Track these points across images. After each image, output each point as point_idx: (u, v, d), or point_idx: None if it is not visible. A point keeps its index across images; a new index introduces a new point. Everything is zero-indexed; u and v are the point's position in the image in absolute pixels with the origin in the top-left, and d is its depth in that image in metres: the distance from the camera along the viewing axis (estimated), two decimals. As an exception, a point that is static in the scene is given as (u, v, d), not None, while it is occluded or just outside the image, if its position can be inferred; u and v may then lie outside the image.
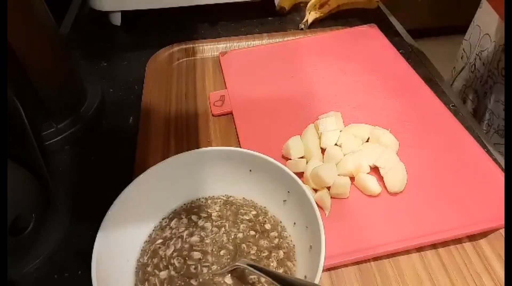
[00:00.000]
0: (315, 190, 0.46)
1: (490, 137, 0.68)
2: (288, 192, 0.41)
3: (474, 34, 0.74)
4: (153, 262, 0.39)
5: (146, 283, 0.38)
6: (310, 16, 0.76)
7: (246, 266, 0.36)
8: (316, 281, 0.32)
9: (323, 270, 0.33)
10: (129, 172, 0.49)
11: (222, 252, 0.39)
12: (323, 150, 0.50)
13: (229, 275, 0.38)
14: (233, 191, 0.44)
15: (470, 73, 0.76)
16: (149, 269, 0.39)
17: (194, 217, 0.42)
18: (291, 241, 0.40)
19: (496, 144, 0.66)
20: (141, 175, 0.41)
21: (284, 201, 0.42)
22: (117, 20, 0.77)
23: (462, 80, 0.79)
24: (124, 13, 0.77)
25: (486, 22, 0.70)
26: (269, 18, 0.80)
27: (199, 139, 0.55)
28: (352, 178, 0.47)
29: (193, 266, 0.38)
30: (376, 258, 0.42)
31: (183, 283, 0.37)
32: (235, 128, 0.56)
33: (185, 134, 0.56)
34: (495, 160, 0.50)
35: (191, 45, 0.70)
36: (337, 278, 0.41)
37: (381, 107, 0.57)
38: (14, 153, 0.41)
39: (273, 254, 0.39)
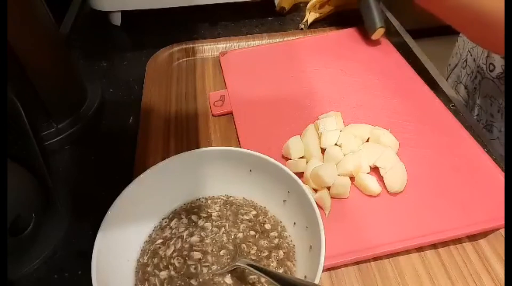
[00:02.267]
0: (315, 190, 0.46)
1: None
2: (288, 192, 0.41)
3: None
4: (153, 262, 0.39)
5: (146, 283, 0.38)
6: (310, 16, 0.76)
7: (246, 266, 0.36)
8: (316, 281, 0.32)
9: (323, 270, 0.33)
10: (129, 172, 0.49)
11: (222, 252, 0.39)
12: (323, 150, 0.50)
13: (229, 275, 0.38)
14: (233, 191, 0.44)
15: (462, 69, 0.76)
16: (149, 269, 0.39)
17: (194, 217, 0.42)
18: (291, 241, 0.40)
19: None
20: (141, 175, 0.41)
21: (284, 201, 0.42)
22: (117, 20, 0.78)
23: (455, 76, 0.79)
24: (124, 13, 0.77)
25: None
26: (269, 18, 0.80)
27: (199, 139, 0.55)
28: (352, 178, 0.47)
29: (193, 266, 0.38)
30: (376, 258, 0.42)
31: (183, 283, 0.37)
32: (235, 128, 0.56)
33: (185, 134, 0.56)
34: (495, 160, 0.50)
35: (191, 45, 0.70)
36: (337, 278, 0.41)
37: (381, 107, 0.57)
38: (14, 153, 0.41)
39: (273, 254, 0.39)
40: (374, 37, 0.67)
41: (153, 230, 0.42)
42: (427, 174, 0.48)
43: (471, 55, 0.73)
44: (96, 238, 0.36)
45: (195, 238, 0.41)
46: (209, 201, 0.44)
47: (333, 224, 0.43)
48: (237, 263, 0.37)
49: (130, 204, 0.40)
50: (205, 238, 0.41)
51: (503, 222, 0.42)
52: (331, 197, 0.46)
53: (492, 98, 0.66)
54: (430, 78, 0.64)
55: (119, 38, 0.79)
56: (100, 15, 0.76)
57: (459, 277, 0.40)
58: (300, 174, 0.47)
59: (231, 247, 0.40)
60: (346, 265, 0.41)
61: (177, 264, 0.39)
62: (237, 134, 0.55)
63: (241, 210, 0.43)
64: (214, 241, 0.40)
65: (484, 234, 0.43)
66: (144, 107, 0.59)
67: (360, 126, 0.53)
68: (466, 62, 0.74)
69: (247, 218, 0.42)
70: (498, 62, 0.65)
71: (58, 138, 0.55)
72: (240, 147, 0.52)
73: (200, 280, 0.37)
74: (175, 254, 0.39)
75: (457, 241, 0.43)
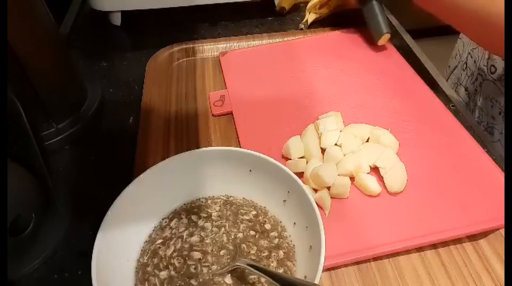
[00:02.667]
0: (315, 190, 0.46)
1: None
2: (288, 192, 0.41)
3: None
4: (153, 262, 0.39)
5: (146, 283, 0.38)
6: (310, 16, 0.76)
7: (246, 266, 0.36)
8: (316, 281, 0.32)
9: (323, 270, 0.33)
10: (129, 172, 0.49)
11: (222, 252, 0.39)
12: (323, 150, 0.50)
13: (229, 275, 0.38)
14: (233, 191, 0.44)
15: (462, 71, 0.76)
16: (149, 269, 0.39)
17: (194, 217, 0.42)
18: (291, 241, 0.40)
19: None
20: (141, 175, 0.41)
21: (284, 201, 0.42)
22: (117, 20, 0.78)
23: (455, 78, 0.79)
24: (124, 13, 0.77)
25: None
26: (269, 18, 0.80)
27: (199, 139, 0.55)
28: (352, 178, 0.47)
29: (193, 266, 0.38)
30: (376, 258, 0.42)
31: (183, 283, 0.37)
32: (235, 128, 0.56)
33: (185, 134, 0.56)
34: (495, 160, 0.50)
35: (191, 45, 0.70)
36: (337, 278, 0.41)
37: (381, 107, 0.57)
38: (14, 153, 0.41)
39: (273, 254, 0.39)
40: (380, 42, 0.67)
41: (153, 230, 0.42)
42: (427, 174, 0.48)
43: (471, 57, 0.72)
44: (96, 238, 0.36)
45: (195, 238, 0.41)
46: (209, 201, 0.44)
47: (333, 224, 0.43)
48: (237, 263, 0.37)
49: (130, 204, 0.40)
50: (205, 238, 0.41)
51: (503, 222, 0.42)
52: (331, 197, 0.46)
53: (493, 100, 0.66)
54: (430, 78, 0.64)
55: (119, 38, 0.79)
56: (100, 15, 0.76)
57: (459, 277, 0.40)
58: (300, 174, 0.47)
59: (231, 247, 0.40)
60: (346, 265, 0.41)
61: (177, 264, 0.39)
62: (237, 134, 0.55)
63: (241, 210, 0.43)
64: (214, 241, 0.40)
65: (484, 234, 0.43)
66: (144, 107, 0.59)
67: (360, 126, 0.53)
68: (466, 64, 0.74)
69: (247, 218, 0.42)
70: (500, 64, 0.64)
71: (58, 138, 0.55)
72: (240, 147, 0.52)
73: (200, 280, 0.37)
74: (175, 254, 0.39)
75: (457, 241, 0.43)
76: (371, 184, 0.46)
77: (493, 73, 0.65)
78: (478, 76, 0.69)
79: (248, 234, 0.41)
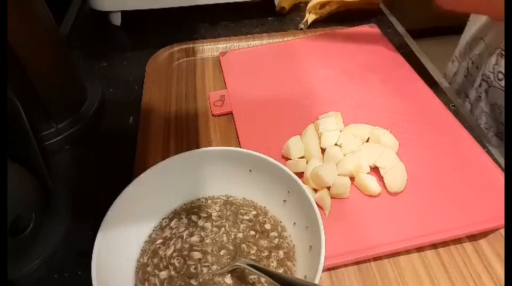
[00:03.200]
0: (315, 190, 0.46)
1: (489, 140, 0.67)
2: (288, 192, 0.41)
3: (468, 37, 0.74)
4: (153, 262, 0.39)
5: (146, 283, 0.38)
6: (310, 16, 0.76)
7: (246, 266, 0.36)
8: (316, 281, 0.32)
9: (323, 270, 0.33)
10: (129, 172, 0.49)
11: (222, 252, 0.39)
12: (323, 150, 0.50)
13: (229, 275, 0.38)
14: (233, 191, 0.44)
15: (463, 77, 0.75)
16: (149, 269, 0.39)
17: (194, 217, 0.42)
18: (291, 241, 0.40)
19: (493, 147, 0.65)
20: (141, 175, 0.41)
21: (284, 201, 0.42)
22: (117, 20, 0.78)
23: (455, 84, 0.78)
24: (124, 13, 0.77)
25: (480, 26, 0.70)
26: (269, 18, 0.80)
27: (199, 139, 0.55)
28: (352, 178, 0.47)
29: (193, 266, 0.38)
30: (376, 258, 0.42)
31: (183, 283, 0.37)
32: (235, 128, 0.56)
33: (185, 134, 0.56)
34: (495, 160, 0.50)
35: (191, 45, 0.70)
36: (337, 278, 0.41)
37: (381, 107, 0.57)
38: (14, 153, 0.41)
39: (273, 254, 0.39)
40: None
41: (153, 230, 0.42)
42: (427, 174, 0.48)
43: (472, 63, 0.72)
44: (96, 238, 0.36)
45: (195, 238, 0.41)
46: (209, 201, 0.44)
47: (333, 224, 0.43)
48: (237, 263, 0.37)
49: (130, 204, 0.39)
50: (205, 238, 0.41)
51: (503, 222, 0.42)
52: (331, 197, 0.46)
53: (502, 107, 0.65)
54: (430, 78, 0.64)
55: (119, 38, 0.79)
56: (100, 15, 0.76)
57: (459, 277, 0.40)
58: (300, 174, 0.47)
59: (231, 247, 0.40)
60: (346, 265, 0.41)
61: (177, 264, 0.39)
62: (237, 134, 0.55)
63: (241, 210, 0.43)
64: (214, 241, 0.40)
65: (484, 234, 0.43)
66: (144, 107, 0.60)
67: (360, 126, 0.53)
68: (468, 70, 0.73)
69: (247, 218, 0.42)
70: None
71: (58, 138, 0.55)
72: (240, 147, 0.52)
73: (200, 280, 0.37)
74: (175, 254, 0.39)
75: (457, 241, 0.43)
76: (371, 184, 0.46)
77: (500, 80, 0.64)
78: (482, 82, 0.68)
79: (248, 234, 0.41)
